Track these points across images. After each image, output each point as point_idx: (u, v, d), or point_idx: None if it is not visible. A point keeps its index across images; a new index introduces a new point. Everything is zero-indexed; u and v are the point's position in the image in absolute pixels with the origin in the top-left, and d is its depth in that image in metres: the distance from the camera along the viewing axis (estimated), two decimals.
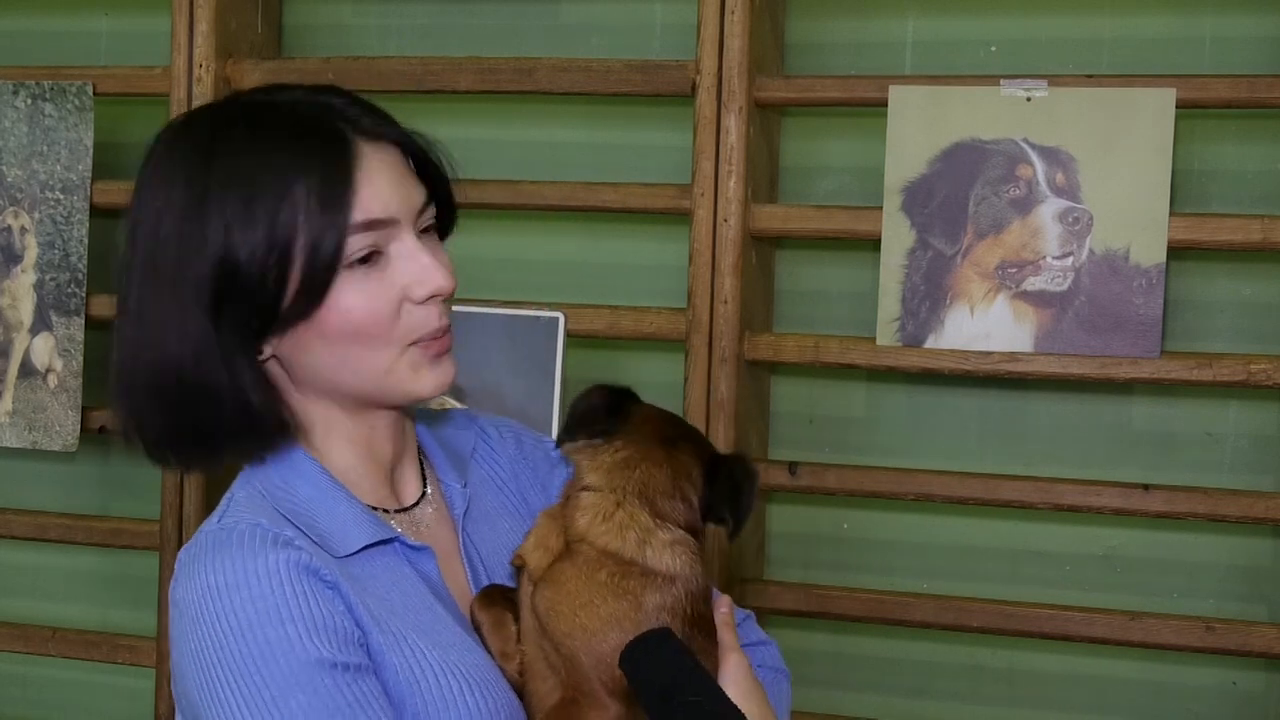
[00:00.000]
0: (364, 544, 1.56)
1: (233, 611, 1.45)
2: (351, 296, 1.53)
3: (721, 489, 1.65)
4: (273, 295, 1.51)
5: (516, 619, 1.64)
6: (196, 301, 1.51)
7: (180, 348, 1.52)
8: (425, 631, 1.55)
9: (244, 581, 1.46)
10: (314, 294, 1.52)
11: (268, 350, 1.56)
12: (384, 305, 1.55)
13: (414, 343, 1.58)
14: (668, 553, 1.60)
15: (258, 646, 1.44)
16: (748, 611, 1.91)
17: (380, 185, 1.55)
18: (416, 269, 1.57)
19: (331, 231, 1.51)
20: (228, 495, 1.59)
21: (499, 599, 1.67)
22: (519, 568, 1.65)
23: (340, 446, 1.63)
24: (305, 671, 1.44)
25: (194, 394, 1.53)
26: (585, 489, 1.63)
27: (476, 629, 1.65)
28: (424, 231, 1.61)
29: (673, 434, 1.68)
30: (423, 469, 1.73)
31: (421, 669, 1.51)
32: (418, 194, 1.61)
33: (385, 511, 1.64)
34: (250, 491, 1.58)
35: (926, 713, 2.92)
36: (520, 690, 1.62)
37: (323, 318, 1.53)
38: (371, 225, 1.54)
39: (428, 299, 1.58)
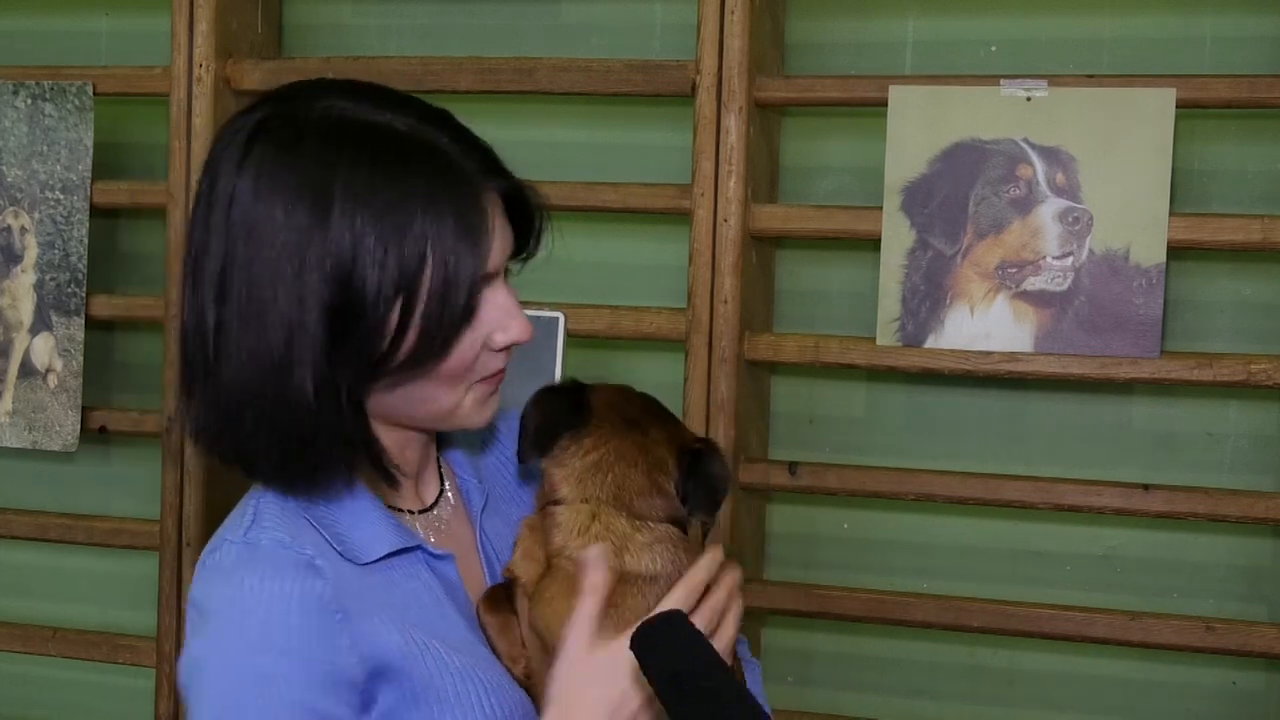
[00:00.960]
0: (386, 551, 1.56)
1: (235, 628, 1.46)
2: (460, 345, 1.53)
3: (697, 490, 1.65)
4: (392, 339, 1.49)
5: (519, 622, 1.65)
6: (316, 318, 1.47)
7: (287, 355, 1.47)
8: (441, 637, 1.55)
9: (255, 602, 1.46)
10: (437, 345, 1.50)
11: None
12: (471, 351, 1.55)
13: (481, 380, 1.58)
14: (647, 555, 1.61)
15: (249, 670, 1.45)
16: (741, 638, 1.89)
17: (497, 238, 1.55)
18: (503, 317, 1.57)
19: (465, 284, 1.50)
20: (255, 498, 1.57)
21: (504, 601, 1.67)
22: (511, 580, 1.66)
23: (390, 443, 1.62)
24: (285, 710, 1.44)
25: (296, 407, 1.49)
26: (557, 503, 1.63)
27: (483, 631, 1.65)
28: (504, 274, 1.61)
29: (639, 417, 1.68)
30: (439, 467, 1.73)
31: (444, 675, 1.52)
32: (510, 240, 1.60)
33: (411, 513, 1.65)
34: (275, 498, 1.56)
35: (926, 712, 2.92)
36: (529, 692, 1.62)
37: (436, 369, 1.52)
38: (487, 278, 1.54)
39: (505, 347, 1.58)
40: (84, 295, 3.02)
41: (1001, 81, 2.62)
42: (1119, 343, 2.58)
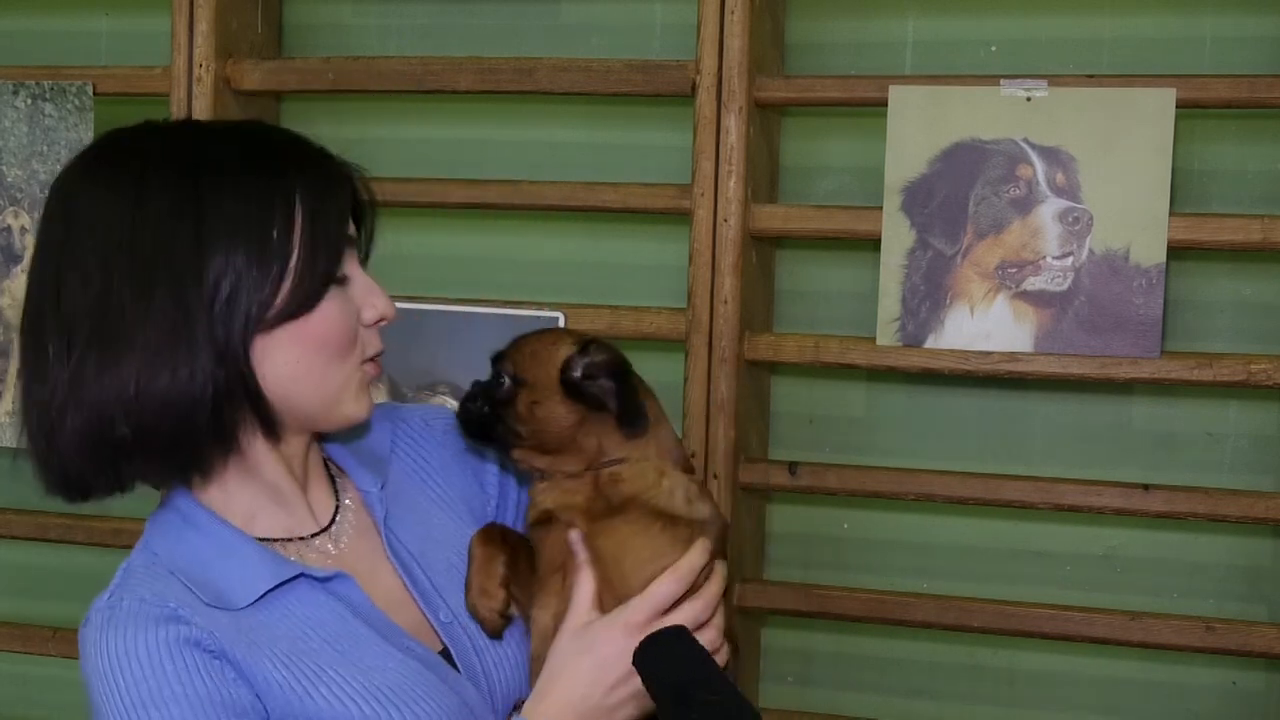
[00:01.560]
0: (263, 590, 1.56)
1: (118, 693, 1.48)
2: (331, 308, 1.57)
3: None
4: (269, 294, 1.54)
5: (508, 562, 1.72)
6: (197, 303, 1.52)
7: (173, 350, 1.52)
8: (348, 660, 1.56)
9: (128, 660, 1.49)
10: (311, 296, 1.56)
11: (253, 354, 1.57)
12: (351, 322, 1.61)
13: (365, 360, 1.62)
14: (701, 503, 1.77)
15: None
16: None
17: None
18: (367, 293, 1.64)
19: (329, 243, 1.57)
20: (124, 565, 1.60)
21: (497, 539, 1.74)
22: (543, 519, 1.74)
23: (270, 464, 1.63)
24: None
25: (184, 395, 1.53)
26: (616, 461, 1.75)
27: (470, 561, 1.70)
28: None
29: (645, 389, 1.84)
30: (334, 482, 1.73)
31: (345, 701, 1.53)
32: (351, 227, 1.66)
33: (301, 539, 1.64)
34: (146, 557, 1.59)
35: (927, 712, 2.92)
36: (493, 625, 1.68)
37: (309, 323, 1.56)
38: (350, 240, 1.61)
39: (375, 323, 1.62)
40: None
41: (1001, 81, 2.62)
42: (1119, 343, 2.58)
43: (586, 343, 1.78)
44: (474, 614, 1.70)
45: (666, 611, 1.65)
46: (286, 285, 1.54)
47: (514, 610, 1.72)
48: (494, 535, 1.75)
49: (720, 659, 1.69)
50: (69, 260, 1.54)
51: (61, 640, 3.17)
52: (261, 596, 1.56)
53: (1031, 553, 2.86)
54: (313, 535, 1.66)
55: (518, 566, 1.73)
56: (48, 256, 1.56)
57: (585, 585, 1.67)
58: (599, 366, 1.75)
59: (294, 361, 1.57)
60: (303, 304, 1.55)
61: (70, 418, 1.55)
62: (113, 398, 1.53)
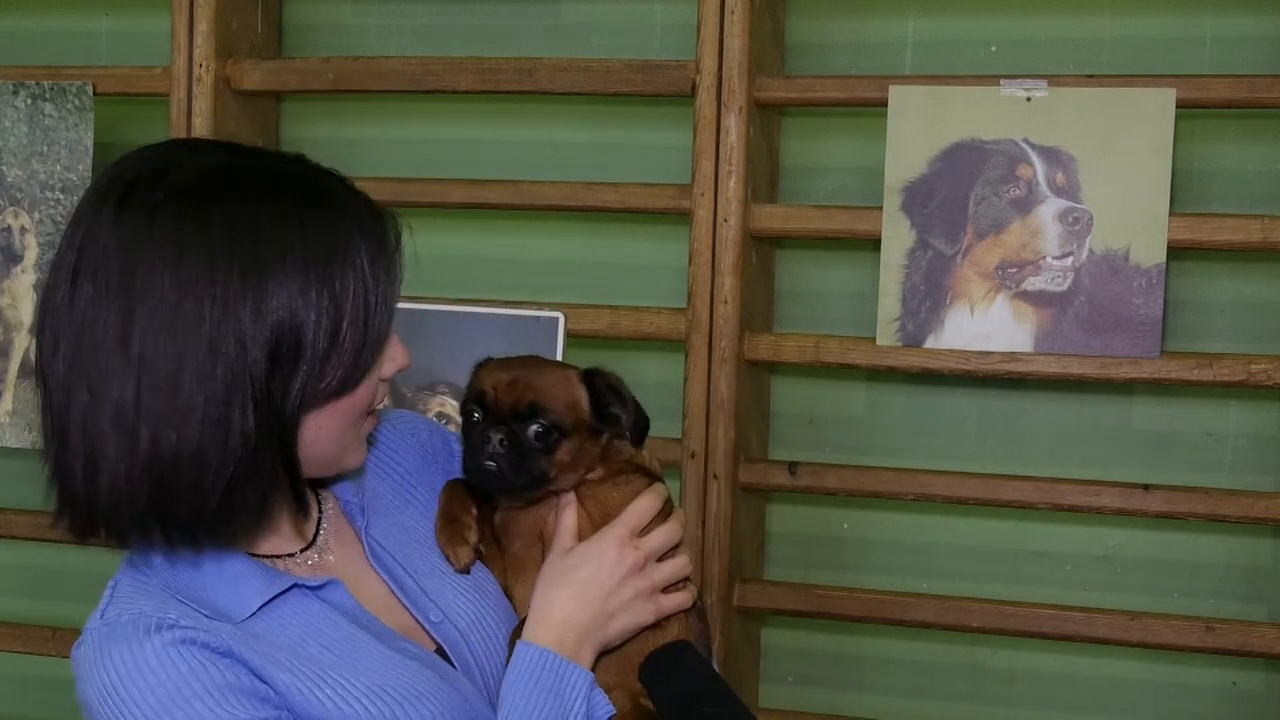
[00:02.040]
0: (260, 603, 1.54)
1: (135, 704, 1.44)
2: (371, 376, 1.56)
3: None
4: (322, 367, 1.49)
5: (476, 504, 1.75)
6: (249, 384, 1.44)
7: (222, 437, 1.45)
8: (348, 663, 1.55)
9: (138, 672, 1.45)
10: (357, 371, 1.52)
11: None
12: (376, 383, 1.58)
13: (368, 414, 1.60)
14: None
15: None
16: None
17: None
18: (390, 347, 1.59)
19: (385, 307, 1.52)
20: (111, 585, 1.56)
21: (462, 486, 1.77)
22: None
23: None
24: None
25: (212, 465, 1.45)
26: (635, 469, 1.79)
27: (439, 503, 1.74)
28: None
29: None
30: (317, 494, 1.72)
31: (350, 704, 1.52)
32: None
33: (289, 556, 1.64)
34: (132, 576, 1.56)
35: (927, 713, 2.92)
36: (464, 558, 1.72)
37: (353, 396, 1.53)
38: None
39: (390, 376, 1.60)
40: None
41: (1001, 81, 2.62)
42: (1119, 343, 2.58)
43: (589, 374, 1.77)
44: (444, 548, 1.72)
45: (645, 533, 1.71)
46: (345, 356, 1.50)
47: (481, 546, 1.74)
48: (458, 483, 1.78)
49: (685, 595, 1.74)
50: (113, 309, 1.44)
51: (61, 640, 3.17)
52: (258, 610, 1.55)
53: (1031, 553, 2.86)
54: (300, 551, 1.65)
55: (483, 515, 1.76)
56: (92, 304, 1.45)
57: (569, 516, 1.72)
58: (610, 392, 1.76)
59: (329, 428, 1.54)
60: (348, 382, 1.52)
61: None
62: (144, 456, 1.46)
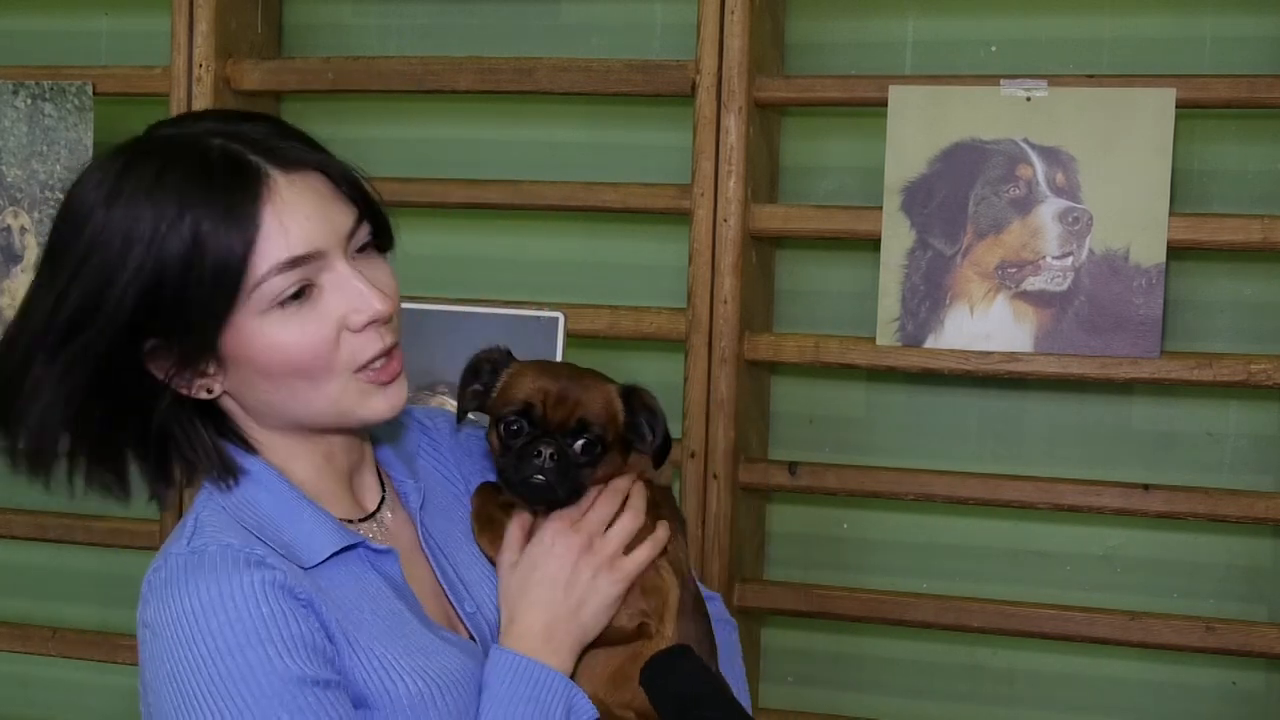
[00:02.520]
0: (330, 552, 1.56)
1: (211, 634, 1.46)
2: (284, 333, 1.53)
3: None
4: (196, 346, 1.52)
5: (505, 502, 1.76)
6: (130, 356, 1.52)
7: (124, 403, 1.54)
8: (394, 639, 1.56)
9: (221, 604, 1.46)
10: (208, 334, 1.52)
11: (217, 388, 1.56)
12: (319, 339, 1.54)
13: (359, 369, 1.57)
14: None
15: (239, 669, 1.45)
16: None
17: (299, 218, 1.53)
18: (351, 297, 1.55)
19: (228, 275, 1.50)
20: (192, 515, 1.58)
21: (492, 488, 1.78)
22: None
23: (302, 465, 1.63)
24: (288, 690, 1.45)
25: (150, 443, 1.56)
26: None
27: (472, 503, 1.76)
28: (361, 250, 1.59)
29: None
30: (379, 473, 1.74)
31: (392, 678, 1.53)
32: (344, 217, 1.57)
33: (349, 521, 1.65)
34: (214, 509, 1.57)
35: (926, 713, 2.92)
36: None
37: (256, 359, 1.53)
38: (296, 262, 1.52)
39: (365, 326, 1.57)
40: None
41: (1001, 81, 2.62)
42: (1119, 343, 2.58)
43: (628, 391, 1.77)
44: (485, 549, 1.74)
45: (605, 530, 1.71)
46: (212, 330, 1.52)
47: None
48: (491, 485, 1.79)
49: (651, 543, 1.73)
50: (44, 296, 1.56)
51: (61, 640, 3.17)
52: (322, 561, 1.56)
53: (1031, 553, 2.86)
54: (359, 520, 1.67)
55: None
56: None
57: (514, 530, 1.71)
58: (645, 411, 1.76)
59: (269, 388, 1.55)
60: (206, 346, 1.52)
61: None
62: (88, 448, 1.59)
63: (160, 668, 1.48)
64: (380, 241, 1.63)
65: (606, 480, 1.73)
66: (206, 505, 1.58)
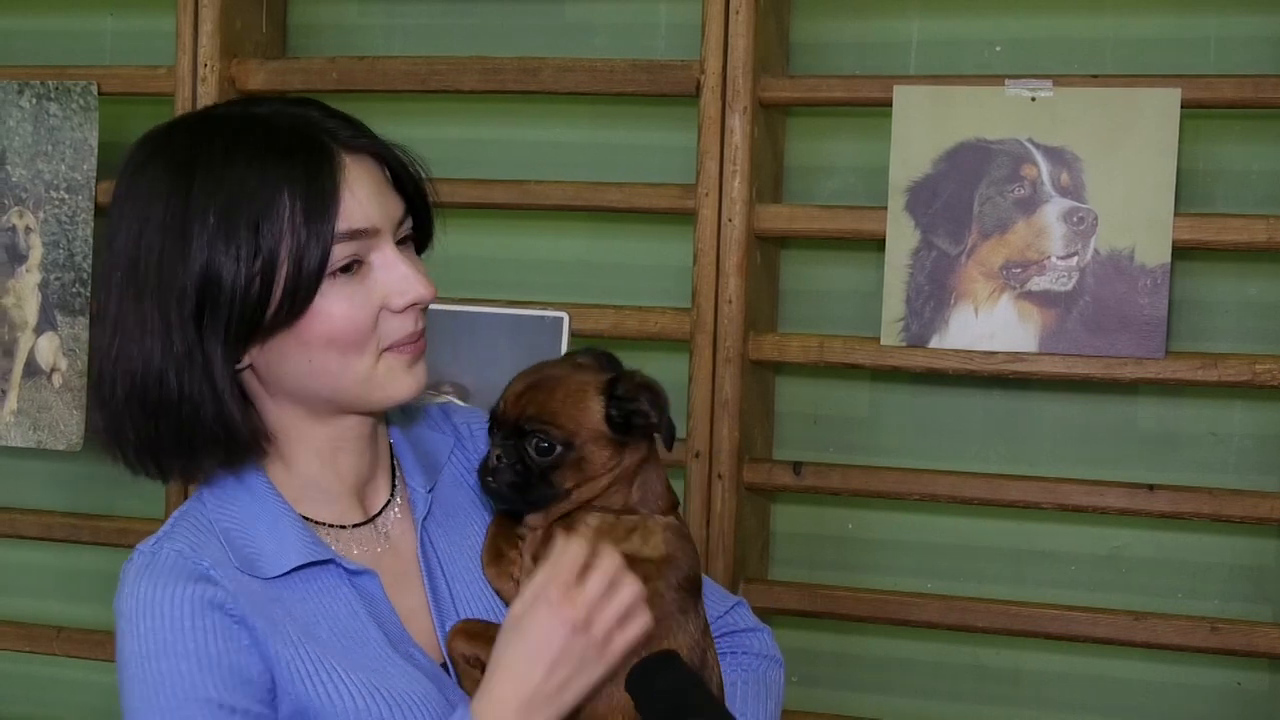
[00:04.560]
0: (294, 565, 1.58)
1: (139, 636, 1.52)
2: (333, 304, 1.55)
3: None
4: (256, 305, 1.53)
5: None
6: (179, 313, 1.53)
7: (163, 359, 1.54)
8: (351, 655, 1.57)
9: (152, 609, 1.53)
10: (299, 303, 1.54)
11: (247, 359, 1.58)
12: (364, 314, 1.57)
13: (389, 348, 1.59)
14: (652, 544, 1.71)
15: (153, 675, 1.51)
16: (739, 598, 1.92)
17: (362, 196, 1.57)
18: (397, 278, 1.59)
19: (317, 240, 1.53)
20: (177, 512, 1.63)
21: (509, 519, 1.73)
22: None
23: (305, 458, 1.65)
24: (191, 707, 1.50)
25: (175, 403, 1.55)
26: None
27: (486, 537, 1.73)
28: (401, 243, 1.63)
29: None
30: (394, 474, 1.74)
31: (340, 693, 1.54)
32: (396, 205, 1.62)
33: (342, 528, 1.65)
34: (195, 508, 1.62)
35: (930, 713, 2.92)
36: (511, 594, 1.68)
37: (305, 325, 1.55)
38: (355, 235, 1.56)
39: (406, 308, 1.59)
40: (88, 295, 3.02)
41: (1006, 81, 2.62)
42: (1124, 343, 2.58)
43: (612, 380, 1.69)
44: (492, 582, 1.70)
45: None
46: (278, 292, 1.53)
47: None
48: (505, 516, 1.75)
49: (642, 619, 1.60)
50: (105, 265, 1.59)
51: (66, 639, 3.18)
52: (288, 572, 1.58)
53: (1036, 553, 2.86)
54: (356, 525, 1.67)
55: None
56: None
57: (538, 577, 1.60)
58: (636, 397, 1.67)
59: (305, 360, 1.57)
60: (294, 310, 1.54)
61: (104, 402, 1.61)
62: (121, 401, 1.58)
63: (116, 653, 1.56)
64: (421, 240, 1.70)
65: (585, 482, 1.66)
66: (193, 501, 1.63)
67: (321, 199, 1.54)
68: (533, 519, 1.71)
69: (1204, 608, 2.76)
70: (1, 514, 3.23)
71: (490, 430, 1.71)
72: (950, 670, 2.92)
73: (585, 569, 1.55)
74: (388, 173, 1.63)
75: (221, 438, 1.57)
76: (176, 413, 1.55)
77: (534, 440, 1.66)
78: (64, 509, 3.26)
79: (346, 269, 1.56)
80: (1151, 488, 2.64)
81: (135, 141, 1.61)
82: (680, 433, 2.77)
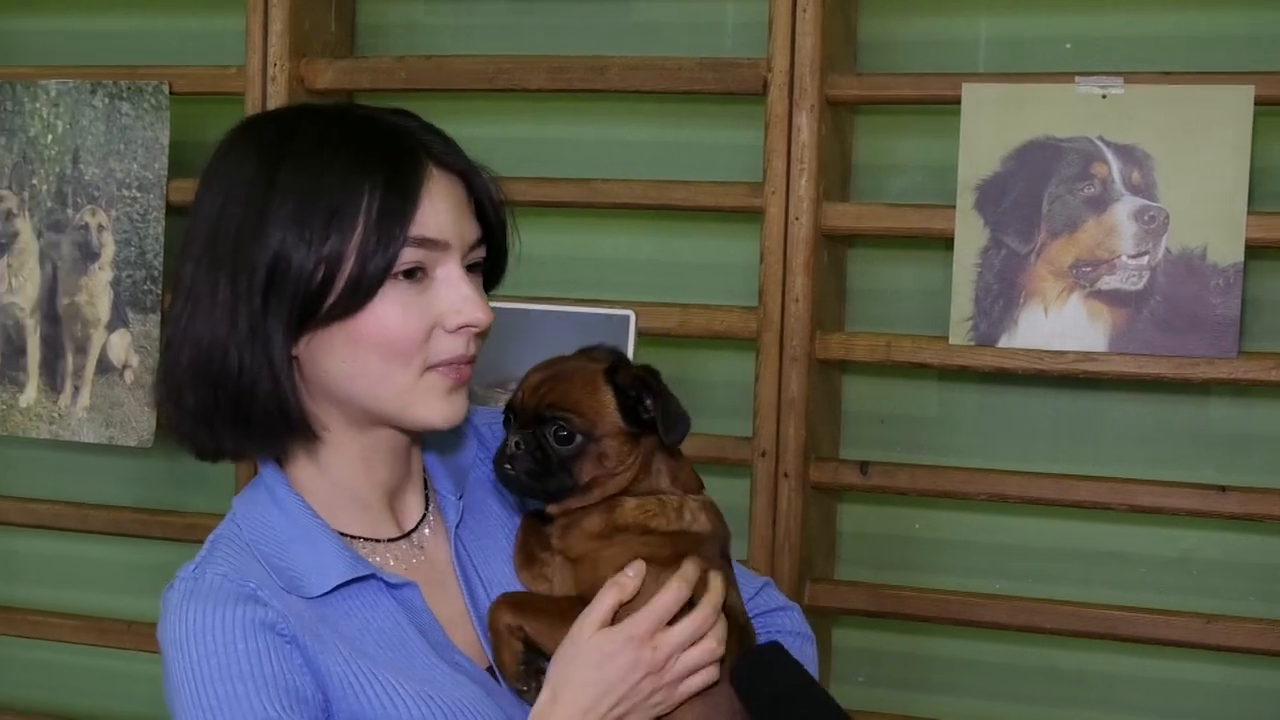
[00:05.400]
0: (337, 583, 1.58)
1: (192, 663, 1.52)
2: (390, 307, 1.56)
3: None
4: (316, 294, 1.54)
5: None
6: (248, 289, 1.54)
7: (228, 332, 1.55)
8: (400, 666, 1.58)
9: (201, 636, 1.52)
10: (357, 298, 1.55)
11: (296, 349, 1.58)
12: (416, 324, 1.57)
13: (433, 367, 1.59)
14: (696, 517, 1.73)
15: (208, 700, 1.50)
16: (767, 578, 1.93)
17: (440, 208, 1.58)
18: (457, 297, 1.59)
19: (387, 240, 1.54)
20: (212, 536, 1.65)
21: (537, 519, 1.74)
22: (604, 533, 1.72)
23: (339, 463, 1.65)
24: None
25: (234, 377, 1.56)
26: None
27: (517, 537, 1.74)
28: (470, 269, 1.63)
29: None
30: (426, 487, 1.74)
31: (397, 704, 1.55)
32: (472, 229, 1.63)
33: (377, 541, 1.66)
34: (230, 531, 1.63)
35: (997, 714, 2.90)
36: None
37: (357, 322, 1.56)
38: (424, 243, 1.57)
39: (460, 329, 1.58)
40: (159, 292, 3.05)
41: (1077, 79, 2.60)
42: (1195, 343, 2.55)
43: (612, 368, 1.70)
44: (526, 585, 1.71)
45: (670, 623, 1.63)
46: (341, 283, 1.54)
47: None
48: (533, 517, 1.76)
49: (710, 671, 1.66)
50: (186, 236, 1.62)
51: (136, 634, 3.21)
52: (332, 590, 1.58)
53: (1105, 554, 2.84)
54: (391, 540, 1.67)
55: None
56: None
57: (606, 600, 1.63)
58: (639, 387, 1.68)
59: (349, 359, 1.57)
60: (352, 303, 1.55)
61: (163, 377, 1.64)
62: (184, 368, 1.59)
63: (165, 682, 1.56)
64: (490, 277, 1.71)
65: (609, 475, 1.67)
66: (228, 524, 1.64)
67: (400, 200, 1.55)
68: (551, 509, 1.71)
69: (1277, 611, 2.73)
70: (73, 509, 3.26)
71: (506, 421, 1.72)
72: (1018, 672, 2.90)
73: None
74: (471, 198, 1.64)
75: (275, 416, 1.58)
76: (234, 386, 1.56)
77: (553, 428, 1.66)
78: (134, 504, 3.29)
79: (410, 274, 1.56)
80: (1223, 489, 2.61)
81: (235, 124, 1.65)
82: (746, 431, 2.77)
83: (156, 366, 1.65)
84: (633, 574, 1.64)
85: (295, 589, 1.57)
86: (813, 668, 1.86)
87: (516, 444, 1.67)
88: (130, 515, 3.22)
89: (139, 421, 3.09)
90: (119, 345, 3.09)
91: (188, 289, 1.59)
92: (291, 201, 1.54)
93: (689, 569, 1.66)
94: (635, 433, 1.69)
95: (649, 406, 1.67)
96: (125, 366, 3.09)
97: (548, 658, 1.65)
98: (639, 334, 2.67)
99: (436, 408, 1.61)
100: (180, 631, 1.53)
